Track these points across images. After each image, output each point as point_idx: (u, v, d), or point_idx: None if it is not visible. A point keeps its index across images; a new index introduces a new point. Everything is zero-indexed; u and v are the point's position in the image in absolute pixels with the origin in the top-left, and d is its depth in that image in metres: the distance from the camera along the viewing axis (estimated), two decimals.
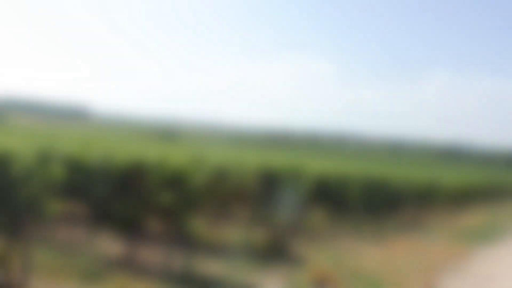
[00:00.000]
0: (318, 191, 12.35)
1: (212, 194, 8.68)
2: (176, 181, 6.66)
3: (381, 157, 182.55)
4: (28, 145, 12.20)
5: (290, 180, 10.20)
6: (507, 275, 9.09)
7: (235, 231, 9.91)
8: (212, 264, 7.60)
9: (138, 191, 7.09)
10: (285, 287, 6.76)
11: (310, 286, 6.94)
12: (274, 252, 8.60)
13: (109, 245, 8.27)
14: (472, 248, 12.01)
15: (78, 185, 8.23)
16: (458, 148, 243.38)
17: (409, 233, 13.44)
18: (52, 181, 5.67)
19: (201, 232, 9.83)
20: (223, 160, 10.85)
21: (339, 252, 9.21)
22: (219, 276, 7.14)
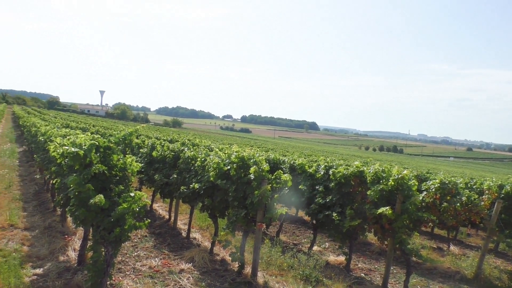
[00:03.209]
0: None
1: (438, 213, 7.86)
2: (396, 195, 6.34)
3: None
4: (263, 153, 13.84)
5: None
6: None
7: (461, 256, 8.69)
8: None
9: (358, 202, 7.06)
10: None
11: None
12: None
13: (330, 251, 8.52)
14: None
15: (301, 191, 8.81)
16: None
17: None
18: (280, 186, 6.25)
19: (423, 252, 9.04)
20: (446, 176, 9.71)
21: None
22: None
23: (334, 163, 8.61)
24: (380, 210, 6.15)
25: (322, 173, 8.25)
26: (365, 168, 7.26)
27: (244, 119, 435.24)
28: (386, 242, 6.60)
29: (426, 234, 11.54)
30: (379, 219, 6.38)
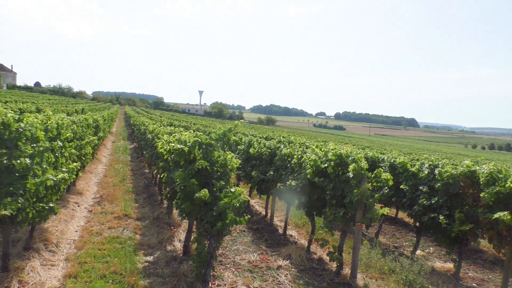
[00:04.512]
0: None
1: None
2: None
3: None
4: (360, 151, 13.42)
5: None
6: None
7: None
8: None
9: (468, 205, 6.46)
10: None
11: None
12: None
13: (435, 257, 7.94)
14: None
15: (402, 191, 8.34)
16: None
17: None
18: (380, 185, 5.97)
19: None
20: None
21: None
22: None
23: (439, 162, 8.00)
24: (496, 215, 5.53)
25: (426, 172, 7.70)
26: (477, 168, 6.61)
27: (337, 116, 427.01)
28: (503, 251, 5.93)
29: None
30: (495, 224, 5.75)
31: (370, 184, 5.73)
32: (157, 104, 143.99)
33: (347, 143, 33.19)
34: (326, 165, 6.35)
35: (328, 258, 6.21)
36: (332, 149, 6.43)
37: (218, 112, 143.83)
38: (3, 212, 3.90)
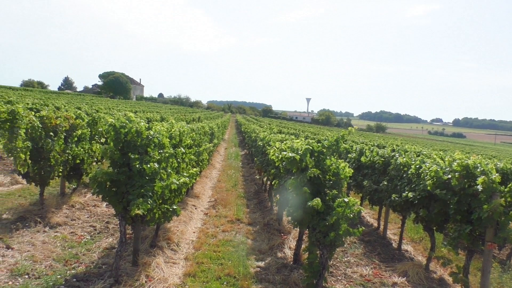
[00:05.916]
0: None
1: None
2: None
3: None
4: (488, 161, 12.03)
5: None
6: None
7: None
8: None
9: None
10: None
11: None
12: None
13: None
14: None
15: None
16: None
17: None
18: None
19: None
20: None
21: None
22: None
23: None
24: None
25: None
26: None
27: (456, 123, 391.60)
28: None
29: None
30: None
31: (503, 199, 5.08)
32: (266, 112, 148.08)
33: (468, 152, 30.18)
34: (449, 176, 5.81)
35: (451, 279, 5.66)
36: (457, 159, 5.86)
37: (326, 119, 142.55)
38: (137, 211, 4.32)
